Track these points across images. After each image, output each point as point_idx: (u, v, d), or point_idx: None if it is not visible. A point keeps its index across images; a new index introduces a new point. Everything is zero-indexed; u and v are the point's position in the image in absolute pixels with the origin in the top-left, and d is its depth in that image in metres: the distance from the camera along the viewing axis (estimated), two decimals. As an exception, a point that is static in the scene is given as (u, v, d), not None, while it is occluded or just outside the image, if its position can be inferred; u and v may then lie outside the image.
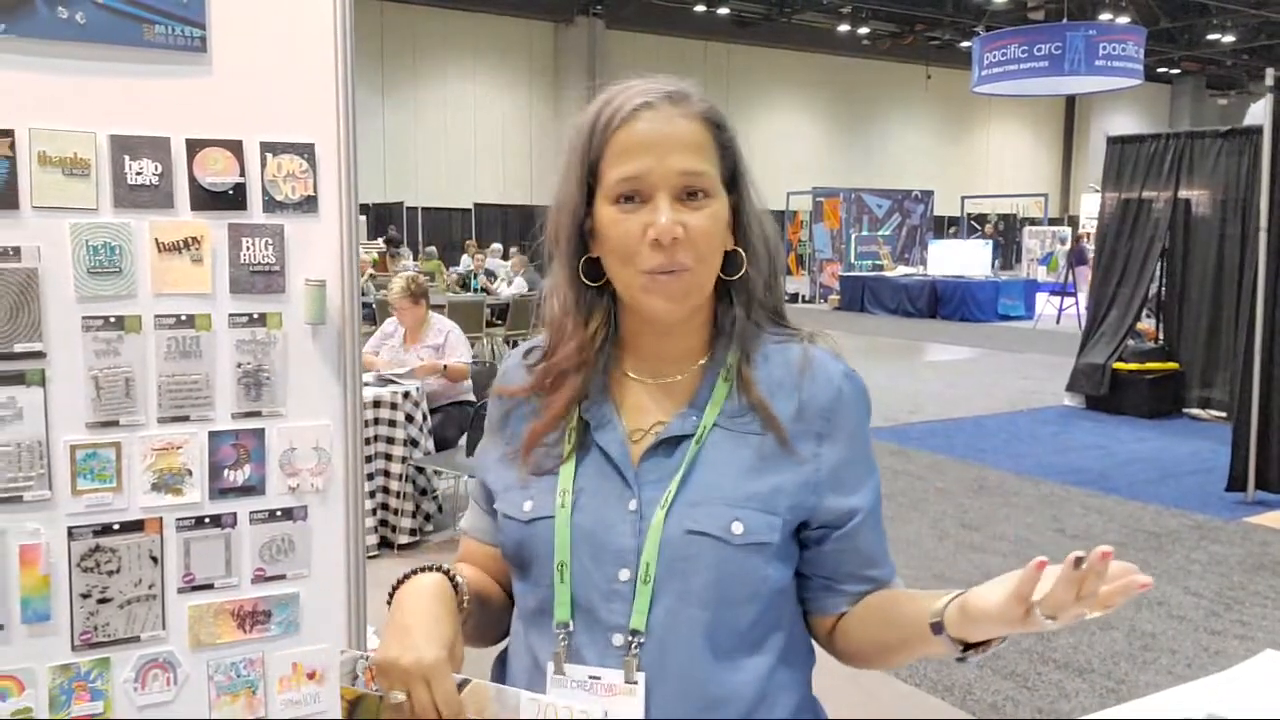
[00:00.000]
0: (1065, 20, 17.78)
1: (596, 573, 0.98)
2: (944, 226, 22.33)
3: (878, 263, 19.51)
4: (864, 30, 23.79)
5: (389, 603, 0.97)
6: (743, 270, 1.03)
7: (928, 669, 3.55)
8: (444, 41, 22.07)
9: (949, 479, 6.26)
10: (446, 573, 0.99)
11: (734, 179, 1.04)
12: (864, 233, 19.82)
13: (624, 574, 0.97)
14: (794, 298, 19.33)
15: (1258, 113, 5.78)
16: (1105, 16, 19.09)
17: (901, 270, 18.91)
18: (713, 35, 24.30)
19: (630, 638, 0.95)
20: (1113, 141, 8.77)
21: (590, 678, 0.96)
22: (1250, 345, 5.63)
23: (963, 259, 18.28)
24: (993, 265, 18.78)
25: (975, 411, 8.59)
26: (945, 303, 16.92)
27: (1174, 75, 27.09)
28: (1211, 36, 23.32)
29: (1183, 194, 8.17)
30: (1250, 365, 5.63)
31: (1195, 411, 8.18)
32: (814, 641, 1.08)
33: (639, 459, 1.00)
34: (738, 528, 0.96)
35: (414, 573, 0.99)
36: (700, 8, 22.17)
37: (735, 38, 24.53)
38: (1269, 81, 5.64)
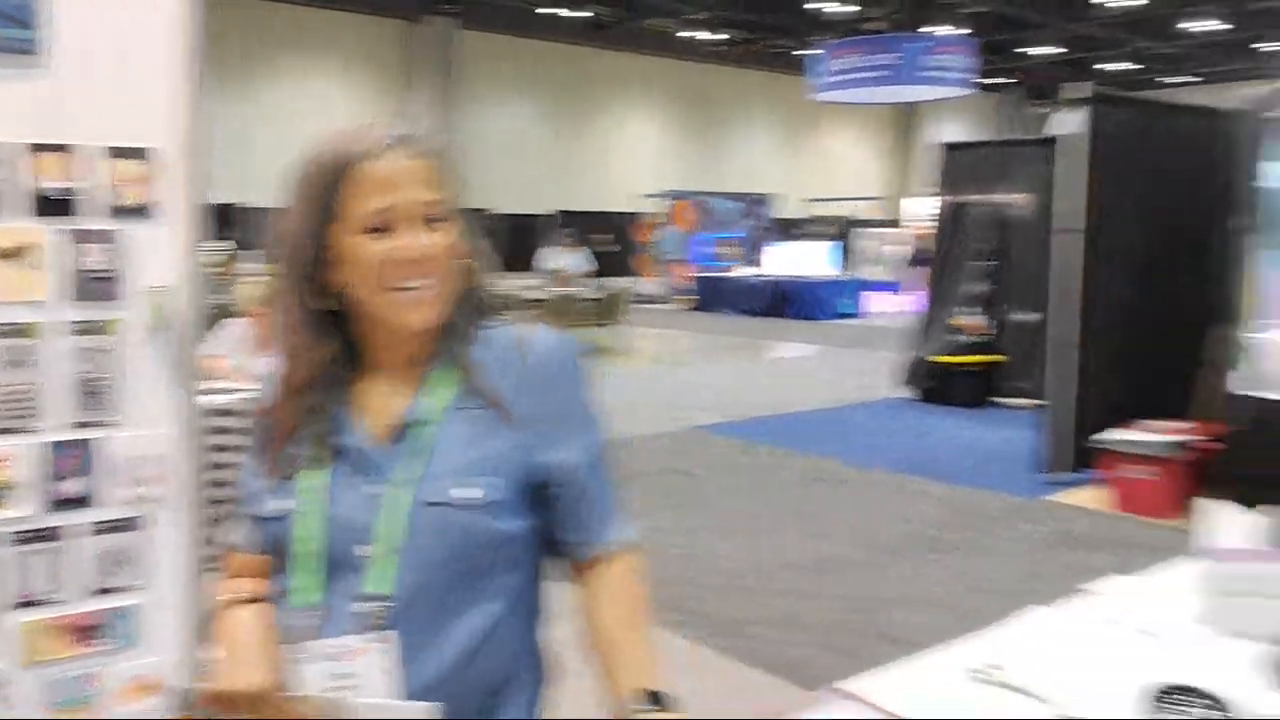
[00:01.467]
0: (901, 32, 18.71)
1: (348, 555, 1.12)
2: (790, 229, 23.11)
3: (728, 264, 20.03)
4: (714, 37, 24.35)
5: (210, 632, 1.09)
6: (471, 280, 1.19)
7: (766, 649, 3.75)
8: (282, 38, 21.37)
9: (790, 470, 6.56)
10: (260, 598, 1.12)
11: (457, 204, 1.18)
12: (715, 235, 20.32)
13: (371, 550, 1.11)
14: (647, 299, 19.62)
15: (1059, 122, 6.30)
16: (937, 28, 20.14)
17: (749, 271, 19.49)
18: (570, 38, 24.37)
19: (376, 604, 1.10)
20: (943, 148, 9.35)
21: (337, 648, 1.09)
22: (1058, 338, 6.13)
23: (806, 260, 19.04)
24: (834, 265, 19.58)
25: (816, 405, 8.99)
26: (791, 302, 17.55)
27: (999, 85, 28.82)
28: (1033, 50, 24.95)
29: (1006, 197, 8.78)
30: (1057, 356, 6.13)
31: (1016, 401, 8.80)
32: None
33: (383, 450, 1.15)
34: (468, 494, 1.13)
35: (231, 602, 1.12)
36: (557, 10, 22.20)
37: (592, 41, 24.67)
38: (1082, 94, 6.15)
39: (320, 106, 21.29)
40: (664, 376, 10.84)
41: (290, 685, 1.05)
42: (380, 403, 1.18)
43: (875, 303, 17.85)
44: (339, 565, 1.12)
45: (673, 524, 5.27)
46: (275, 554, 1.17)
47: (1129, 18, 21.10)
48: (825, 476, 6.41)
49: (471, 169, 22.82)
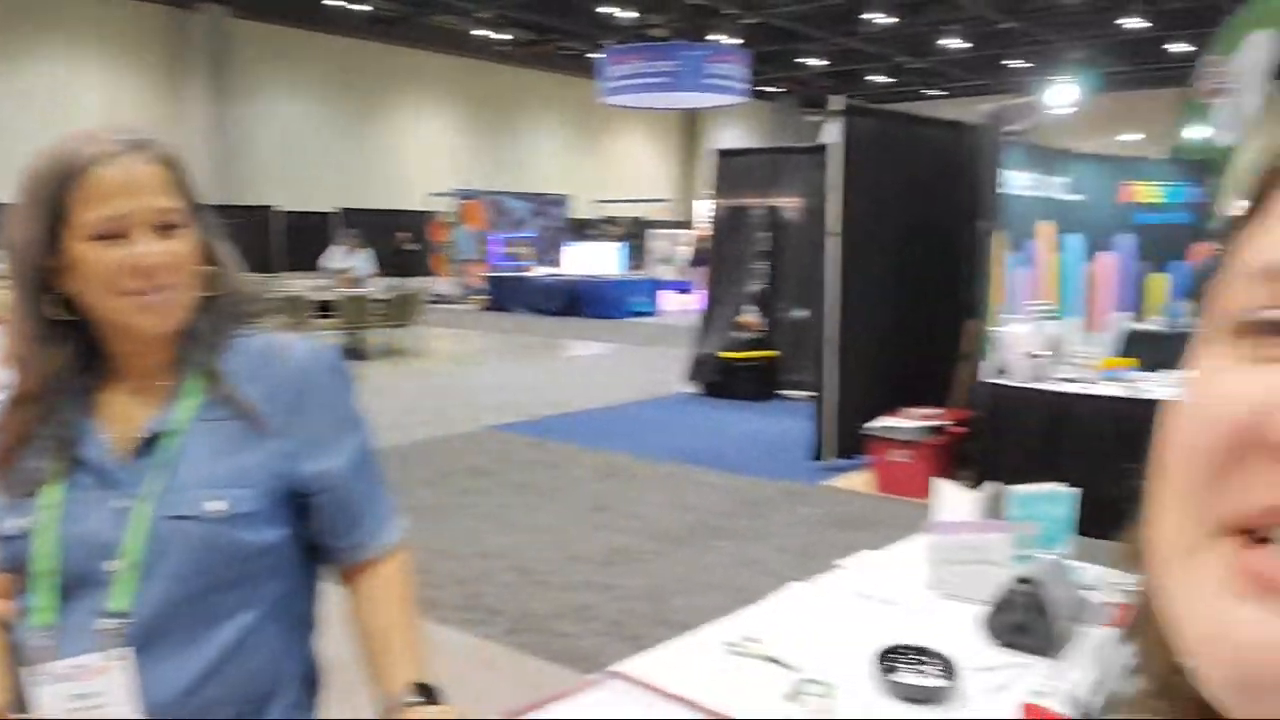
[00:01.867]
0: (682, 40, 19.36)
1: (87, 572, 1.09)
2: (583, 229, 23.42)
3: (525, 264, 20.08)
4: (501, 36, 24.28)
5: None
6: (217, 287, 1.18)
7: (559, 642, 3.86)
8: (43, 21, 19.60)
9: (583, 467, 6.71)
10: None
11: (196, 210, 1.16)
12: (507, 234, 20.31)
13: (112, 566, 1.09)
14: (443, 299, 19.36)
15: (828, 131, 6.75)
16: (716, 37, 20.96)
17: (543, 271, 19.62)
18: (351, 32, 23.63)
19: (116, 621, 1.09)
20: (718, 154, 9.79)
21: (74, 668, 1.07)
22: (827, 334, 6.57)
23: (597, 260, 19.39)
24: (625, 265, 20.02)
25: (609, 402, 9.20)
26: (585, 302, 17.81)
27: (775, 94, 30.28)
28: (807, 61, 26.36)
29: (778, 201, 9.31)
30: (827, 351, 6.57)
31: (791, 393, 9.32)
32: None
33: (126, 462, 1.13)
34: (215, 506, 1.12)
35: None
36: (343, 2, 21.47)
37: (378, 36, 24.03)
38: (840, 106, 6.60)
39: (84, 96, 19.74)
40: (459, 377, 10.78)
41: (25, 708, 1.02)
42: (125, 414, 1.15)
43: (668, 301, 18.42)
44: (83, 583, 1.09)
45: (468, 523, 5.29)
46: (17, 573, 1.13)
47: (890, 34, 22.67)
48: (617, 471, 6.60)
49: (251, 165, 21.82)
